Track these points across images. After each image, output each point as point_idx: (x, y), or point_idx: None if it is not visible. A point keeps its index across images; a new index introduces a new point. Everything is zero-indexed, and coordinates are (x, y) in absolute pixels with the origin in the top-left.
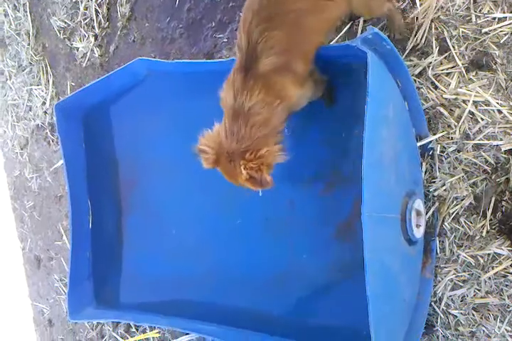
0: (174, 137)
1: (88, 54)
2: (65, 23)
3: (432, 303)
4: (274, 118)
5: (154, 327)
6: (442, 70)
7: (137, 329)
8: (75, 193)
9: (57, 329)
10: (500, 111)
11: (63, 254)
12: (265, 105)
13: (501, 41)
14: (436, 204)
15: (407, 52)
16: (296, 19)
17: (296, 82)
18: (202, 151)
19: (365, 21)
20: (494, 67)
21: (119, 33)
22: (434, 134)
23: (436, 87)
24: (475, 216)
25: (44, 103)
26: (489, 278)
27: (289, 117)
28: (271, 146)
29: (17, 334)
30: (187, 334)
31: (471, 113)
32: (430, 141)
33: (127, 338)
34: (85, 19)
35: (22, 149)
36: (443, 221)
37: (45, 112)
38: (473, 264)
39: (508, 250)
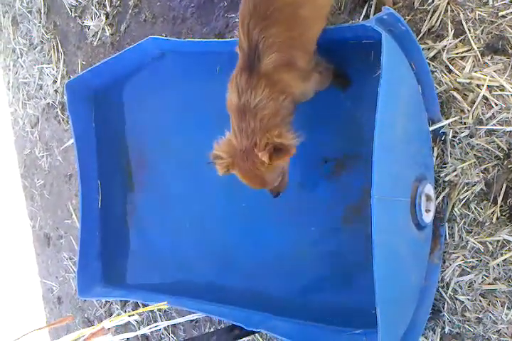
0: (184, 117)
1: (99, 33)
2: (77, 1)
3: (439, 288)
4: (282, 110)
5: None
6: (457, 54)
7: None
8: (85, 172)
9: (66, 307)
10: None
11: (72, 233)
12: (271, 100)
13: None
14: (447, 189)
15: (421, 34)
16: (293, 12)
17: (301, 77)
18: (217, 157)
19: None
20: (510, 51)
21: (130, 11)
22: (447, 119)
23: (450, 71)
24: (485, 202)
25: (55, 81)
26: (498, 264)
27: (296, 108)
28: (281, 128)
29: (26, 311)
30: (193, 313)
31: (484, 98)
32: (442, 126)
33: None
34: None
35: (33, 128)
36: (453, 206)
37: (56, 91)
38: (482, 250)
39: None
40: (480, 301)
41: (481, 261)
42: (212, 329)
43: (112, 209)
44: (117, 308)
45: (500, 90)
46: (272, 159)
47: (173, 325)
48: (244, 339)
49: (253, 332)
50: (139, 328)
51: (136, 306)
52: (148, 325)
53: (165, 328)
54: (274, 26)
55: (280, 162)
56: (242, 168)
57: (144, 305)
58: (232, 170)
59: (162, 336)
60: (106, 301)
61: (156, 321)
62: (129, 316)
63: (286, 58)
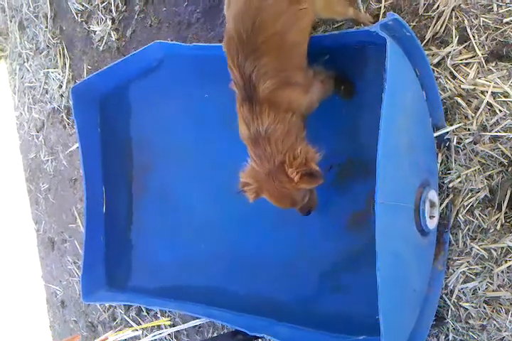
0: (189, 121)
1: (105, 37)
2: (83, 6)
3: (443, 295)
4: (293, 128)
5: (165, 312)
6: (461, 60)
7: (148, 313)
8: (89, 177)
9: (70, 311)
10: None
11: (77, 237)
12: (279, 122)
13: None
14: (451, 196)
15: (426, 41)
16: (281, 39)
17: (302, 92)
18: (245, 185)
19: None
20: None
21: (136, 16)
22: (451, 125)
23: (454, 77)
24: (490, 209)
25: (60, 86)
26: (502, 271)
27: (307, 122)
28: (303, 145)
29: (30, 315)
30: (197, 318)
31: (489, 104)
32: (447, 132)
33: (138, 321)
34: (103, 2)
35: (38, 132)
36: (457, 213)
37: (62, 95)
38: (486, 257)
39: None
40: (484, 308)
41: (485, 267)
42: (215, 335)
43: (116, 214)
44: (121, 312)
45: (505, 97)
46: (301, 180)
47: (176, 330)
48: None
49: (256, 338)
50: (143, 333)
51: (140, 311)
52: (151, 330)
53: (168, 333)
54: (264, 56)
55: (306, 186)
56: (269, 190)
57: (148, 310)
58: (262, 194)
59: None
60: (109, 305)
61: (159, 327)
62: (132, 331)
63: (280, 81)
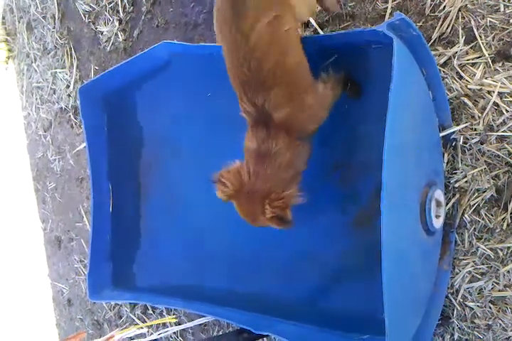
0: (195, 121)
1: (112, 38)
2: (90, 7)
3: (449, 295)
4: (301, 158)
5: (171, 310)
6: (468, 60)
7: (154, 312)
8: (96, 176)
9: (76, 309)
10: None
11: (83, 236)
12: (291, 148)
13: None
14: (457, 195)
15: (432, 41)
16: (283, 62)
17: (316, 110)
18: (221, 183)
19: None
20: None
21: (143, 17)
22: (458, 125)
23: (461, 77)
24: (496, 208)
25: (68, 86)
26: (508, 271)
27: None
28: (294, 188)
29: (37, 313)
30: (202, 317)
31: (495, 104)
32: (453, 132)
33: (144, 319)
34: (110, 3)
35: (45, 131)
36: (463, 213)
37: (69, 95)
38: (493, 257)
39: None
40: (490, 308)
41: (491, 267)
42: (220, 333)
43: (123, 212)
44: (126, 311)
45: (511, 97)
46: (271, 219)
47: (182, 329)
48: None
49: (262, 336)
50: (148, 331)
51: (146, 309)
52: (157, 328)
53: (174, 332)
54: (273, 88)
55: (273, 225)
56: (241, 202)
57: (153, 309)
58: (232, 200)
59: (170, 339)
60: (115, 304)
61: (165, 325)
62: (138, 329)
63: (295, 105)
